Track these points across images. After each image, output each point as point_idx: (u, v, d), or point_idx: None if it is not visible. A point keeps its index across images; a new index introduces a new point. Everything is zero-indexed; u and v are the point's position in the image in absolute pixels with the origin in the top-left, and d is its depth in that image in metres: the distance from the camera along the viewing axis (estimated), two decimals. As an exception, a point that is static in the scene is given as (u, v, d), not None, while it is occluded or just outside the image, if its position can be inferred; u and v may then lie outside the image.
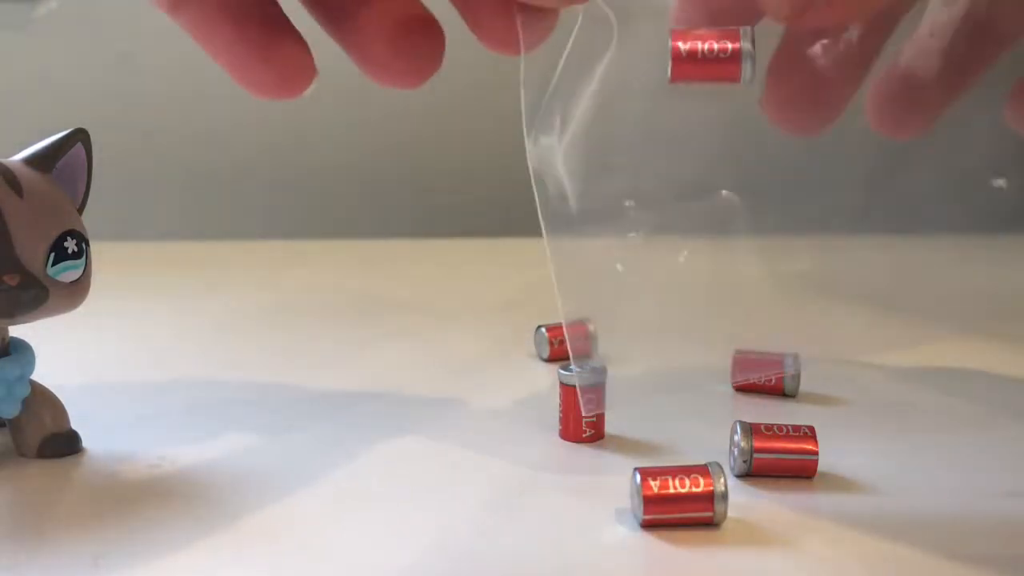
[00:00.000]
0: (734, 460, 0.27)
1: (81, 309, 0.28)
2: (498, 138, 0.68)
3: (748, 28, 0.26)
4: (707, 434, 0.30)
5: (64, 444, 0.29)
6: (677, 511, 0.24)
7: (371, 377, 0.36)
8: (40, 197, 0.27)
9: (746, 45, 0.25)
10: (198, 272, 0.53)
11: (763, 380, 0.34)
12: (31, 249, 0.26)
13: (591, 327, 0.38)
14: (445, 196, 0.68)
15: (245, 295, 0.48)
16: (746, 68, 0.25)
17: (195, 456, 0.29)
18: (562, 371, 0.30)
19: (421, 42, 0.27)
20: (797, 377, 0.34)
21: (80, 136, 0.29)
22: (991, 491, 0.27)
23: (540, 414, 0.32)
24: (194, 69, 0.66)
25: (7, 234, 0.26)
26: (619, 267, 0.34)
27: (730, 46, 0.26)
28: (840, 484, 0.27)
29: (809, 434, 0.27)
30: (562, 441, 0.30)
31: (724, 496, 0.24)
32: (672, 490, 0.24)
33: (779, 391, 0.34)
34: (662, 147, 0.34)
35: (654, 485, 0.24)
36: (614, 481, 0.27)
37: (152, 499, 0.26)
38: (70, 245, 0.27)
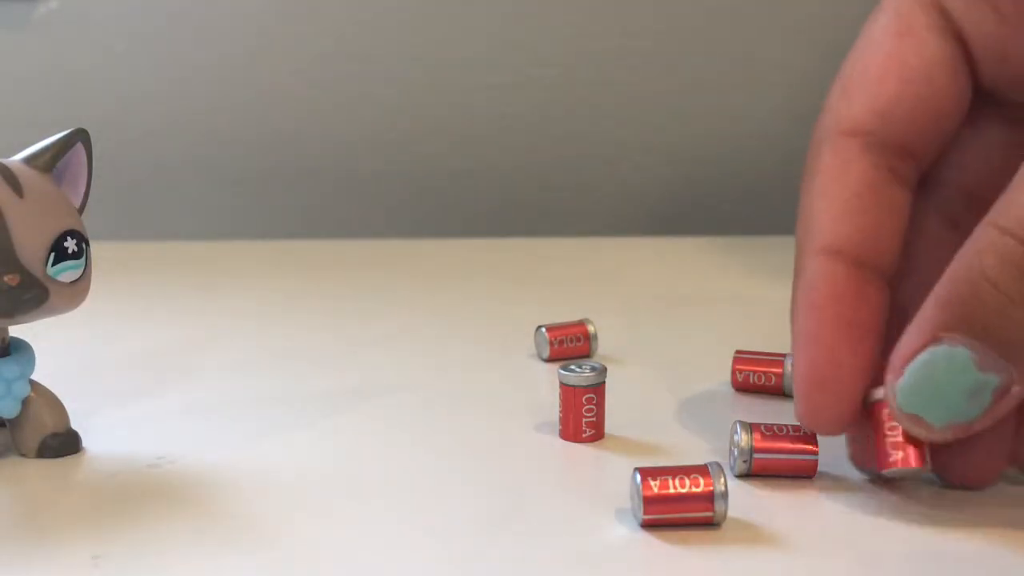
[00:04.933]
0: (734, 460, 0.27)
1: (81, 309, 0.28)
2: (499, 138, 0.68)
3: None
4: (707, 434, 0.30)
5: (64, 444, 0.29)
6: (677, 511, 0.24)
7: (371, 377, 0.36)
8: (40, 197, 0.27)
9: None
10: (198, 272, 0.53)
11: (763, 380, 0.34)
12: (31, 249, 0.26)
13: (591, 327, 0.38)
14: (445, 196, 0.68)
15: (245, 295, 0.48)
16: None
17: (195, 456, 0.29)
18: (562, 371, 0.30)
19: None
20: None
21: (80, 136, 0.29)
22: (990, 491, 0.27)
23: (540, 414, 0.32)
24: (194, 69, 0.66)
25: (7, 234, 0.26)
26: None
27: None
28: (840, 484, 0.27)
29: (809, 434, 0.27)
30: (562, 441, 0.30)
31: (724, 496, 0.24)
32: (672, 490, 0.24)
33: (779, 391, 0.34)
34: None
35: (654, 485, 0.24)
36: (614, 481, 0.27)
37: (152, 499, 0.26)
38: (70, 245, 0.27)
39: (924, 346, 0.23)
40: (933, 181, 0.28)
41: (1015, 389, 0.23)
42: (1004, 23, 0.26)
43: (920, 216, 0.28)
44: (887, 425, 0.25)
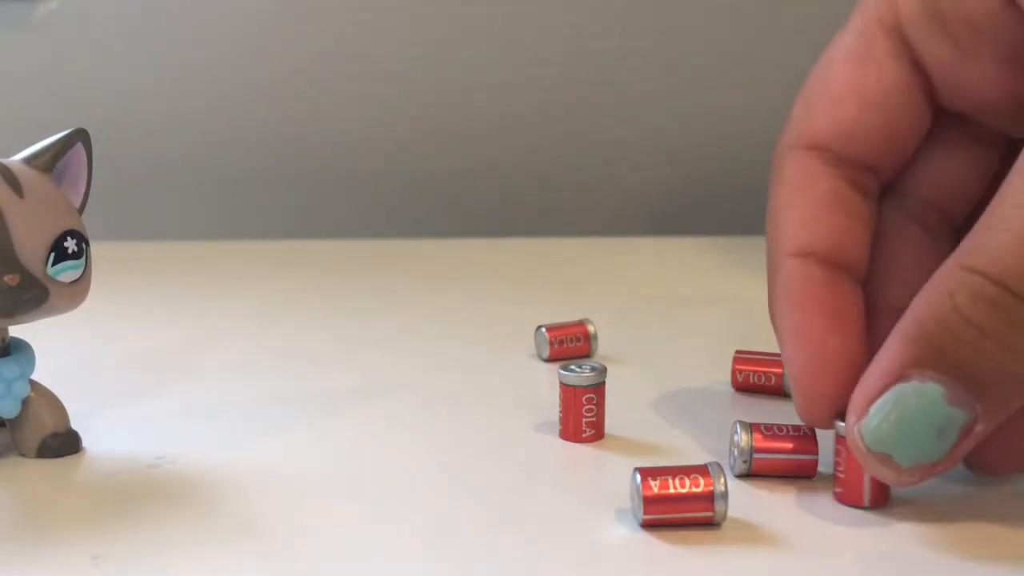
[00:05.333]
0: (734, 460, 0.27)
1: (81, 309, 0.28)
2: (499, 138, 0.68)
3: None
4: (707, 434, 0.30)
5: (64, 444, 0.29)
6: (677, 511, 0.24)
7: (371, 377, 0.36)
8: (40, 197, 0.27)
9: None
10: (198, 272, 0.53)
11: (763, 380, 0.34)
12: (31, 249, 0.26)
13: (591, 327, 0.38)
14: (445, 196, 0.68)
15: (245, 295, 0.48)
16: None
17: (195, 456, 0.29)
18: (562, 371, 0.30)
19: None
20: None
21: (80, 136, 0.28)
22: (990, 490, 0.27)
23: (540, 414, 0.32)
24: (194, 69, 0.66)
25: (7, 234, 0.26)
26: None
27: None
28: (840, 484, 0.27)
29: (809, 434, 0.27)
30: (562, 441, 0.30)
31: (724, 496, 0.24)
32: (672, 490, 0.24)
33: (779, 391, 0.34)
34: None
35: (654, 485, 0.24)
36: (614, 481, 0.27)
37: (152, 499, 0.26)
38: (70, 245, 0.27)
39: (890, 384, 0.24)
40: (902, 191, 0.29)
41: (978, 428, 0.23)
42: (961, 53, 0.26)
43: (894, 222, 0.29)
44: (835, 459, 0.26)
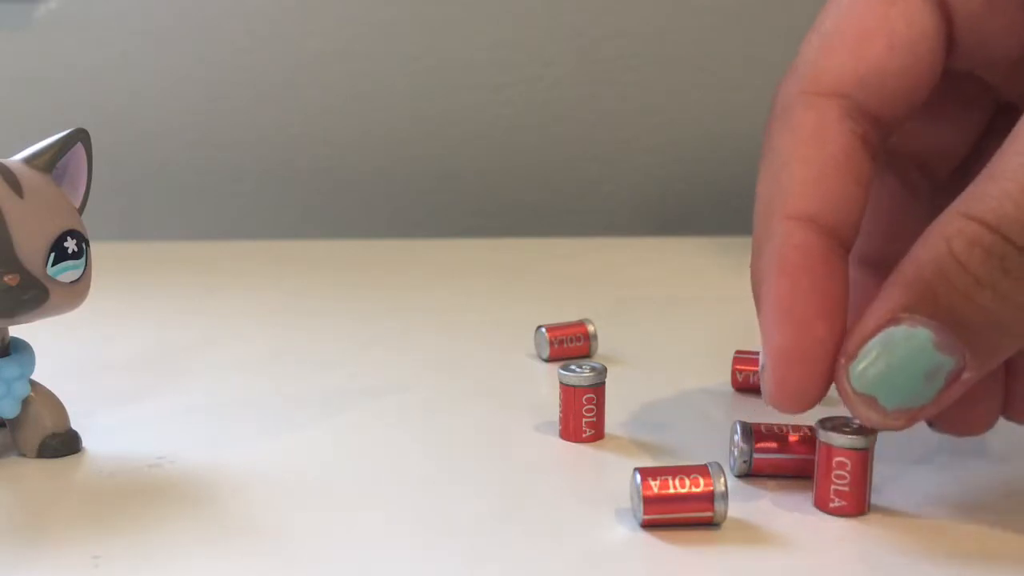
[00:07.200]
0: (734, 460, 0.27)
1: (81, 309, 0.28)
2: (499, 138, 0.68)
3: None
4: (707, 434, 0.30)
5: (64, 444, 0.29)
6: (677, 511, 0.24)
7: (371, 377, 0.36)
8: (40, 197, 0.27)
9: None
10: (198, 272, 0.53)
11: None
12: (31, 249, 0.26)
13: (591, 327, 0.38)
14: (444, 196, 0.68)
15: (245, 295, 0.48)
16: None
17: (195, 456, 0.29)
18: (562, 371, 0.30)
19: None
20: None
21: (80, 136, 0.29)
22: (990, 489, 0.27)
23: (540, 414, 0.32)
24: (194, 68, 0.66)
25: (7, 234, 0.26)
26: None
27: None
28: (840, 484, 0.27)
29: (809, 434, 0.27)
30: (562, 441, 0.30)
31: (724, 496, 0.24)
32: (672, 490, 0.24)
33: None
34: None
35: (654, 485, 0.24)
36: (614, 481, 0.27)
37: (152, 499, 0.26)
38: (70, 245, 0.27)
39: (881, 327, 0.23)
40: (895, 152, 0.28)
41: (966, 375, 0.23)
42: (991, 2, 0.25)
43: (884, 185, 0.28)
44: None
